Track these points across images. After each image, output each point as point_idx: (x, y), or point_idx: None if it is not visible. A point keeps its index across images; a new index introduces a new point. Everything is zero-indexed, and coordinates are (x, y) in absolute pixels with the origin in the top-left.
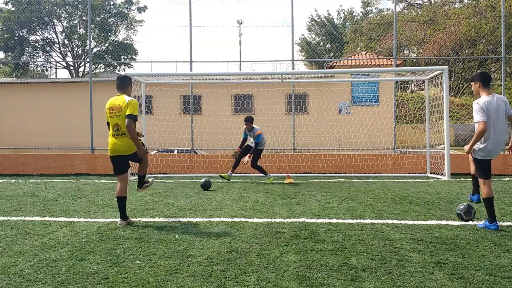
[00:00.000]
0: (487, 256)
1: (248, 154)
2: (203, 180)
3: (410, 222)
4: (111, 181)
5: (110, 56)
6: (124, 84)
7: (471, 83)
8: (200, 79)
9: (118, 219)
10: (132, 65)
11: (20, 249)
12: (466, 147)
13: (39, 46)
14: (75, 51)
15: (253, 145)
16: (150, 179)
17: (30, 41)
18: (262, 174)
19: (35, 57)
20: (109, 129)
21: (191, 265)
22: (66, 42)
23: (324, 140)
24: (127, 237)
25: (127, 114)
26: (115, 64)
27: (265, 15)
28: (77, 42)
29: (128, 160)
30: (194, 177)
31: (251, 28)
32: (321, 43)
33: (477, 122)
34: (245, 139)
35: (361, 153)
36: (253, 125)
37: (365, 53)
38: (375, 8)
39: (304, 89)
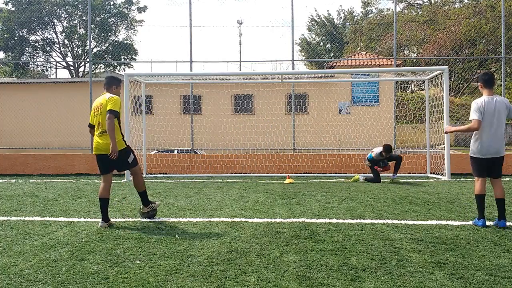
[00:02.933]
0: (487, 256)
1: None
2: None
3: (410, 222)
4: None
5: (110, 56)
6: (109, 83)
7: (477, 83)
8: (200, 79)
9: (100, 221)
10: (132, 65)
11: (20, 249)
12: (449, 127)
13: (39, 46)
14: (75, 51)
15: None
16: (157, 202)
17: (30, 41)
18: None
19: (35, 57)
20: (90, 129)
21: (191, 265)
22: (66, 42)
23: (324, 140)
24: (127, 237)
25: (108, 109)
26: (115, 64)
27: (265, 15)
28: (77, 42)
29: (111, 161)
30: (194, 177)
31: (251, 28)
32: (321, 43)
33: (472, 120)
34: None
35: (361, 153)
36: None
37: (365, 53)
38: (375, 8)
39: (304, 89)
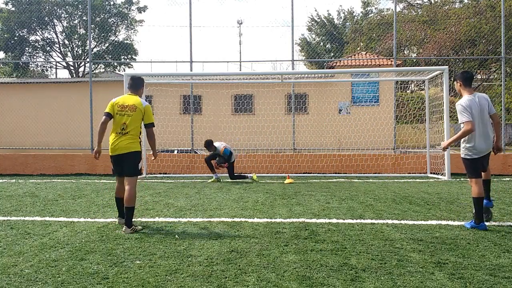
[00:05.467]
0: (487, 256)
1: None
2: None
3: (410, 222)
4: (111, 181)
5: (110, 56)
6: (139, 84)
7: (454, 82)
8: (200, 79)
9: (117, 218)
10: (132, 65)
11: (20, 249)
12: (444, 143)
13: (39, 46)
14: (75, 51)
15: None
16: (139, 227)
17: (30, 41)
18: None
19: (35, 57)
20: (105, 118)
21: (191, 265)
22: (66, 42)
23: (324, 140)
24: (127, 237)
25: (148, 122)
26: (115, 64)
27: (265, 15)
28: (77, 42)
29: (123, 161)
30: (194, 177)
31: (251, 28)
32: (321, 43)
33: (463, 123)
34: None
35: (361, 153)
36: (215, 145)
37: (365, 53)
38: (375, 8)
39: (304, 89)
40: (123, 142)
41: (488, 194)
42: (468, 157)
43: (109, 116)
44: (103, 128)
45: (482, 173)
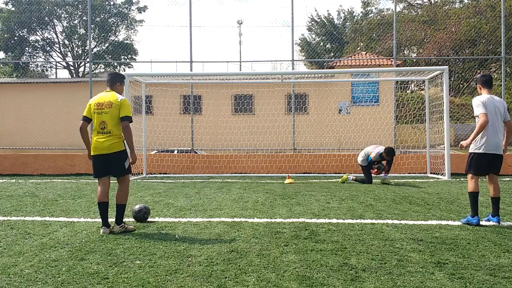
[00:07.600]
0: (487, 256)
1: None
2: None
3: (410, 222)
4: (111, 181)
5: (110, 56)
6: (113, 79)
7: (475, 85)
8: (200, 79)
9: (102, 228)
10: (132, 65)
11: (20, 249)
12: (465, 142)
13: (39, 46)
14: (75, 51)
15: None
16: (131, 226)
17: (30, 41)
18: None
19: (35, 57)
20: (83, 123)
21: (191, 265)
22: (66, 42)
23: (324, 140)
24: (127, 237)
25: (124, 115)
26: (115, 64)
27: (265, 15)
28: (77, 42)
29: (108, 162)
30: (194, 177)
31: (251, 28)
32: (321, 43)
33: (477, 116)
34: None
35: None
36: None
37: (365, 53)
38: (375, 8)
39: (304, 89)
40: (106, 143)
41: (496, 210)
42: (477, 151)
43: (86, 120)
44: (84, 133)
45: (490, 189)
